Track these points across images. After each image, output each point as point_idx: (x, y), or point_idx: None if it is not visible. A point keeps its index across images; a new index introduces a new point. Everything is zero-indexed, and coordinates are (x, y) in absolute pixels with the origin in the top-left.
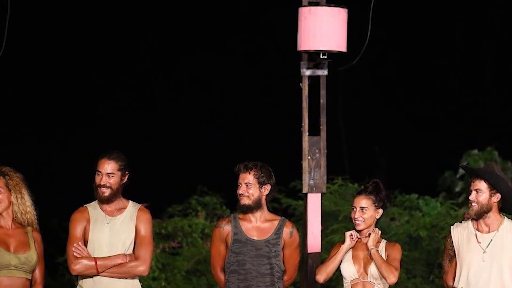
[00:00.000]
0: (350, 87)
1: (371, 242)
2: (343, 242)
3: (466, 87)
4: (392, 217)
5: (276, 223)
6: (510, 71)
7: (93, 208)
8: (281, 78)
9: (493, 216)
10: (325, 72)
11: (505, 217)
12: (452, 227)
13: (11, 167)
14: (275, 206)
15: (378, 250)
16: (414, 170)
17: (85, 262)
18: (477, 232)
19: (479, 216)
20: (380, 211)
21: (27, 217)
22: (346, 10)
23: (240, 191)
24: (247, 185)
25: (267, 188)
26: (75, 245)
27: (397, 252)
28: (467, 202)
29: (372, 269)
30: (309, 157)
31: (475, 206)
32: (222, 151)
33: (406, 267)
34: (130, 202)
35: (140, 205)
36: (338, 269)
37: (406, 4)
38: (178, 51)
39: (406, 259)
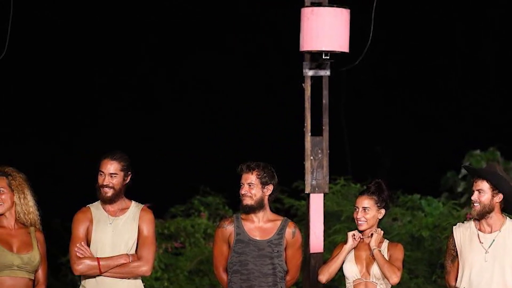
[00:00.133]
0: (353, 87)
1: (373, 242)
2: (345, 242)
3: (468, 87)
4: (394, 217)
5: (278, 223)
6: (511, 70)
7: (95, 208)
8: (283, 79)
9: (495, 216)
10: (328, 73)
11: (507, 217)
12: (454, 227)
13: (14, 167)
14: (277, 206)
15: (380, 250)
16: (416, 170)
17: (88, 262)
18: (479, 232)
19: (481, 216)
20: (383, 211)
21: (30, 217)
22: (348, 10)
23: (242, 192)
24: (250, 186)
25: (269, 189)
26: (78, 245)
27: (399, 252)
28: (469, 203)
29: (375, 269)
30: (312, 157)
31: (477, 206)
32: (224, 152)
33: (408, 267)
34: (133, 202)
35: (143, 205)
36: (341, 269)
37: (408, 5)
38: (180, 51)
39: (408, 259)
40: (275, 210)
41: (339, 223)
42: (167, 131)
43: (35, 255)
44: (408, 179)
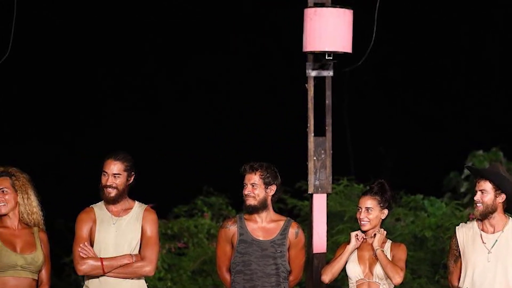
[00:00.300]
0: (356, 88)
1: (376, 243)
2: (348, 242)
3: (471, 87)
4: (397, 217)
5: (281, 223)
6: None
7: (99, 208)
8: (286, 79)
9: (498, 216)
10: (331, 73)
11: (510, 217)
12: (457, 227)
13: (17, 168)
14: (280, 206)
15: (383, 251)
16: (419, 171)
17: (91, 262)
18: (482, 232)
19: (484, 216)
20: (386, 211)
21: (33, 218)
22: (351, 11)
23: (245, 192)
24: (253, 186)
25: (272, 189)
26: (81, 245)
27: (402, 253)
28: (472, 203)
29: (378, 269)
30: (315, 158)
31: (480, 206)
32: (227, 152)
33: (411, 268)
34: (136, 202)
35: (146, 205)
36: (344, 270)
37: (411, 5)
38: (184, 52)
39: (411, 260)
40: (278, 211)
41: (342, 223)
42: (171, 131)
43: (38, 255)
44: (411, 179)
